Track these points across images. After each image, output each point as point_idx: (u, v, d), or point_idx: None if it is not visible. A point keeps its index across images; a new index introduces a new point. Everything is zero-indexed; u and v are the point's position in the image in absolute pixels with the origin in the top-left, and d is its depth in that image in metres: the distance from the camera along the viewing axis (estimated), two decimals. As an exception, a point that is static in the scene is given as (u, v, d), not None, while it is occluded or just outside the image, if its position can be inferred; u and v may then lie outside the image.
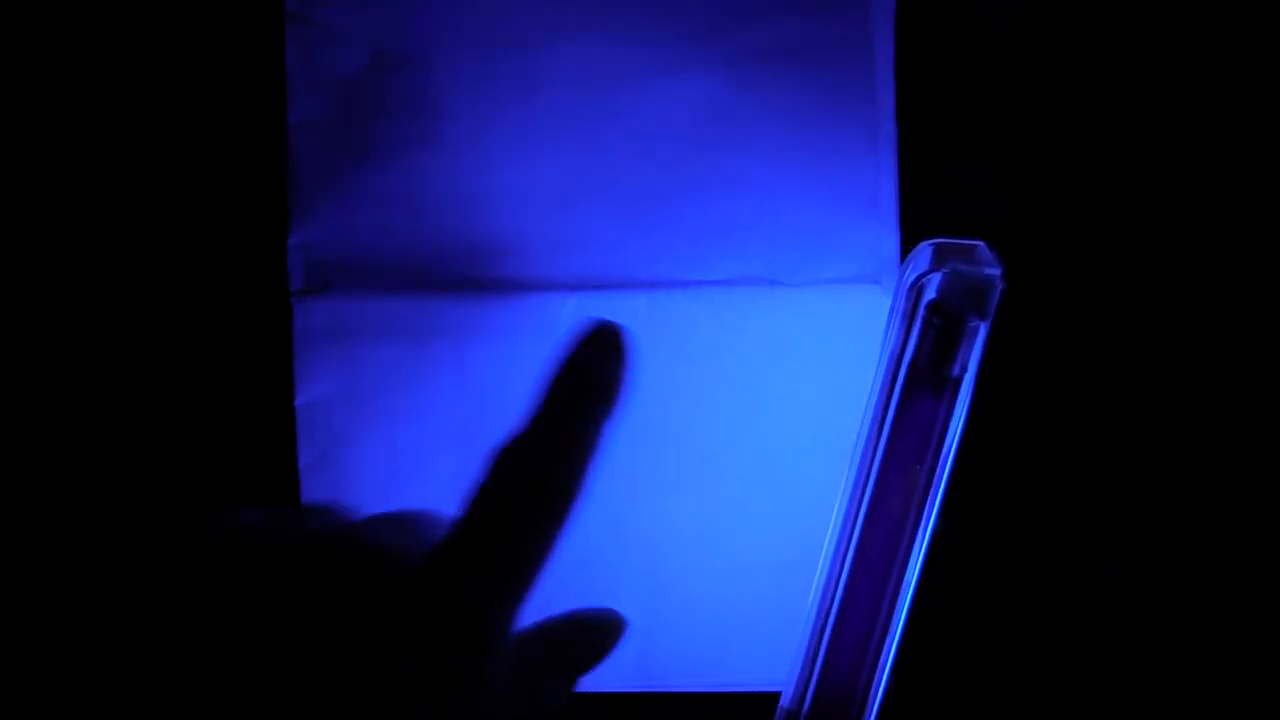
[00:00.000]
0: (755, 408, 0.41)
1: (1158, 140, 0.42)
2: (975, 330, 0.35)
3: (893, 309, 0.36)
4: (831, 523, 0.37)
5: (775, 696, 0.38)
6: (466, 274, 0.42)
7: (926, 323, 0.35)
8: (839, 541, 0.37)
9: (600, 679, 0.42)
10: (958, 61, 0.42)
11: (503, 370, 0.42)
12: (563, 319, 0.42)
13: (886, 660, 0.37)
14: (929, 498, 0.36)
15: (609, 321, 0.28)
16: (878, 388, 0.36)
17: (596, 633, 0.32)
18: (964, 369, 0.35)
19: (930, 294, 0.35)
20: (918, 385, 0.35)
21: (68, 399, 0.42)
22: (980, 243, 0.36)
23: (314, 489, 0.42)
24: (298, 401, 0.42)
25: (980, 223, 0.42)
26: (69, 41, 0.42)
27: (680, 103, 0.42)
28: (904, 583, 0.36)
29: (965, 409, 0.36)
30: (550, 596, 0.42)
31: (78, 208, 0.42)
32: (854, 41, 0.41)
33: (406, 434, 0.42)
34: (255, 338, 0.42)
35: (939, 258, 0.35)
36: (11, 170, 0.42)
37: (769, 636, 0.41)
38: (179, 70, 0.42)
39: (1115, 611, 0.42)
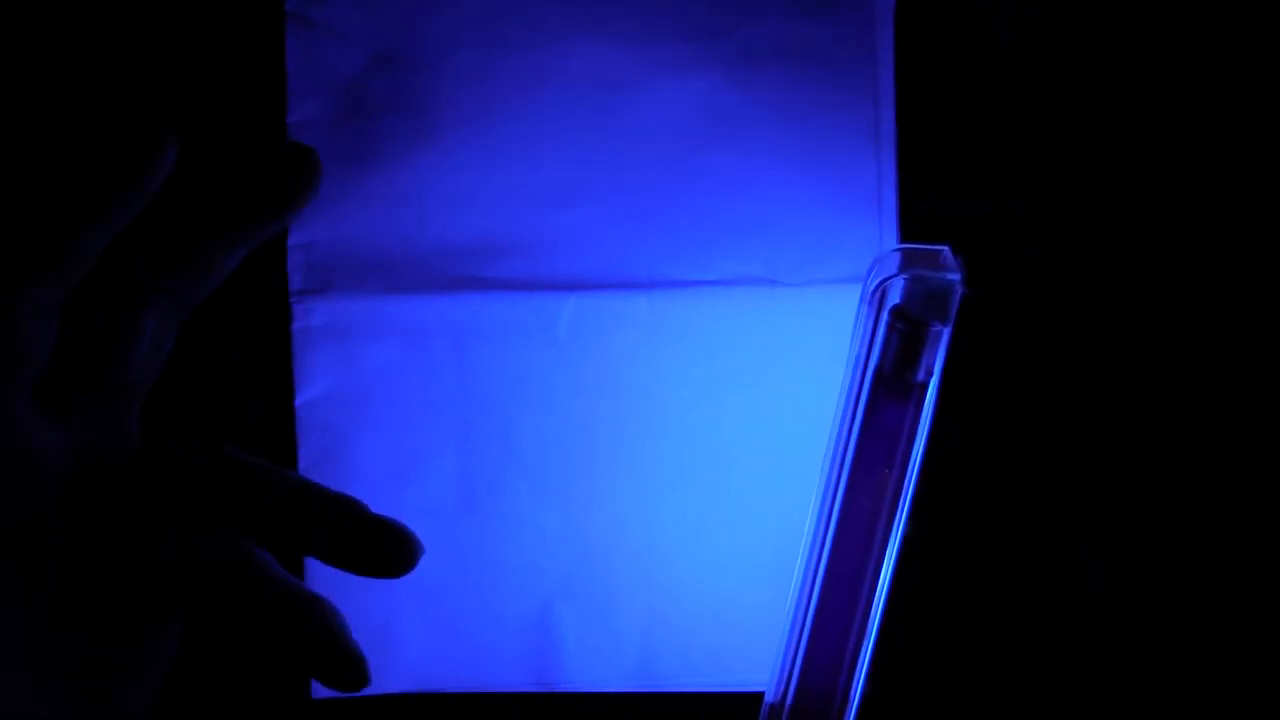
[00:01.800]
0: (755, 408, 0.41)
1: (1158, 140, 0.42)
2: (938, 335, 0.35)
3: (858, 314, 0.37)
4: (807, 523, 0.38)
5: (775, 696, 0.38)
6: (466, 274, 0.42)
7: (890, 328, 0.35)
8: (814, 541, 0.38)
9: (600, 679, 0.42)
10: (958, 62, 0.42)
11: (503, 370, 0.42)
12: (563, 319, 0.42)
13: (865, 656, 0.37)
14: (899, 500, 0.36)
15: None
16: (846, 391, 0.37)
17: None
18: (929, 374, 0.35)
19: (894, 299, 0.35)
20: (883, 390, 0.36)
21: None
22: (945, 247, 0.36)
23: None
24: (297, 401, 0.42)
25: (981, 223, 0.42)
26: (69, 42, 0.42)
27: (680, 102, 0.42)
28: (878, 580, 0.37)
29: (932, 412, 0.36)
30: (551, 596, 0.42)
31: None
32: (855, 41, 0.41)
33: (406, 434, 0.42)
34: (255, 338, 0.42)
35: (903, 263, 0.36)
36: (12, 170, 0.42)
37: (769, 636, 0.41)
38: (179, 70, 0.42)
39: (1079, 603, 0.42)
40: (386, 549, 0.29)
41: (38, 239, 0.27)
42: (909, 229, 0.41)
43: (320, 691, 0.42)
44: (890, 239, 0.41)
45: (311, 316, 0.42)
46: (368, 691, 0.41)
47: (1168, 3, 0.42)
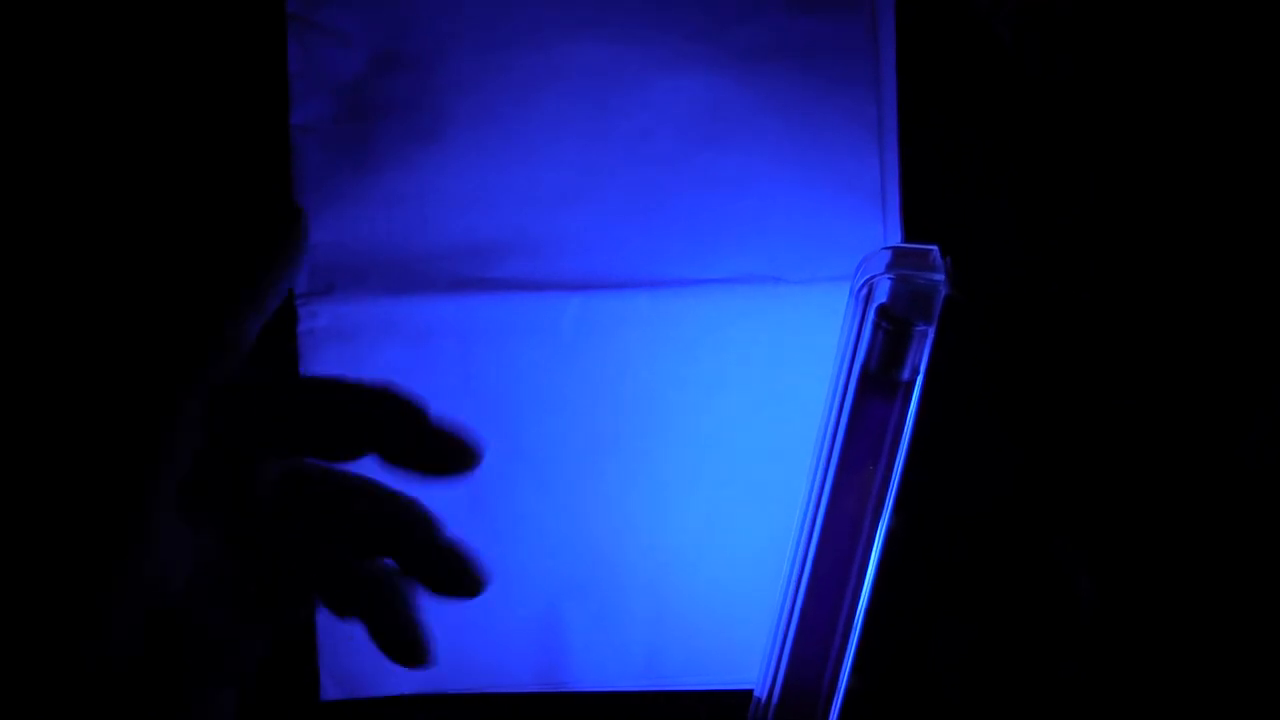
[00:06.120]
0: (760, 405, 0.42)
1: (1159, 141, 0.42)
2: (923, 335, 0.35)
3: (847, 312, 0.37)
4: (795, 520, 0.38)
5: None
6: (469, 274, 0.42)
7: (876, 326, 0.36)
8: (800, 537, 0.38)
9: (608, 678, 0.42)
10: (959, 60, 0.42)
11: (506, 370, 0.42)
12: (566, 318, 0.42)
13: (849, 651, 0.37)
14: (883, 497, 0.37)
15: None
16: (833, 389, 0.37)
17: None
18: (914, 373, 0.36)
19: (880, 298, 0.36)
20: (869, 388, 0.36)
21: (70, 399, 0.42)
22: (933, 247, 0.37)
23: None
24: (302, 403, 0.42)
25: (982, 222, 0.42)
26: (71, 43, 0.42)
27: (682, 101, 0.42)
28: (863, 576, 0.38)
29: (916, 410, 0.36)
30: (557, 596, 0.42)
31: (81, 210, 0.42)
32: (857, 38, 0.42)
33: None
34: (260, 340, 0.42)
35: (891, 262, 0.36)
36: (13, 172, 0.42)
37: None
38: (182, 73, 0.42)
39: (1062, 601, 0.42)
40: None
41: (200, 333, 0.27)
42: (913, 227, 0.41)
43: (329, 693, 0.41)
44: (894, 237, 0.41)
45: (316, 319, 0.42)
46: (376, 693, 0.42)
47: (1168, 2, 0.42)
